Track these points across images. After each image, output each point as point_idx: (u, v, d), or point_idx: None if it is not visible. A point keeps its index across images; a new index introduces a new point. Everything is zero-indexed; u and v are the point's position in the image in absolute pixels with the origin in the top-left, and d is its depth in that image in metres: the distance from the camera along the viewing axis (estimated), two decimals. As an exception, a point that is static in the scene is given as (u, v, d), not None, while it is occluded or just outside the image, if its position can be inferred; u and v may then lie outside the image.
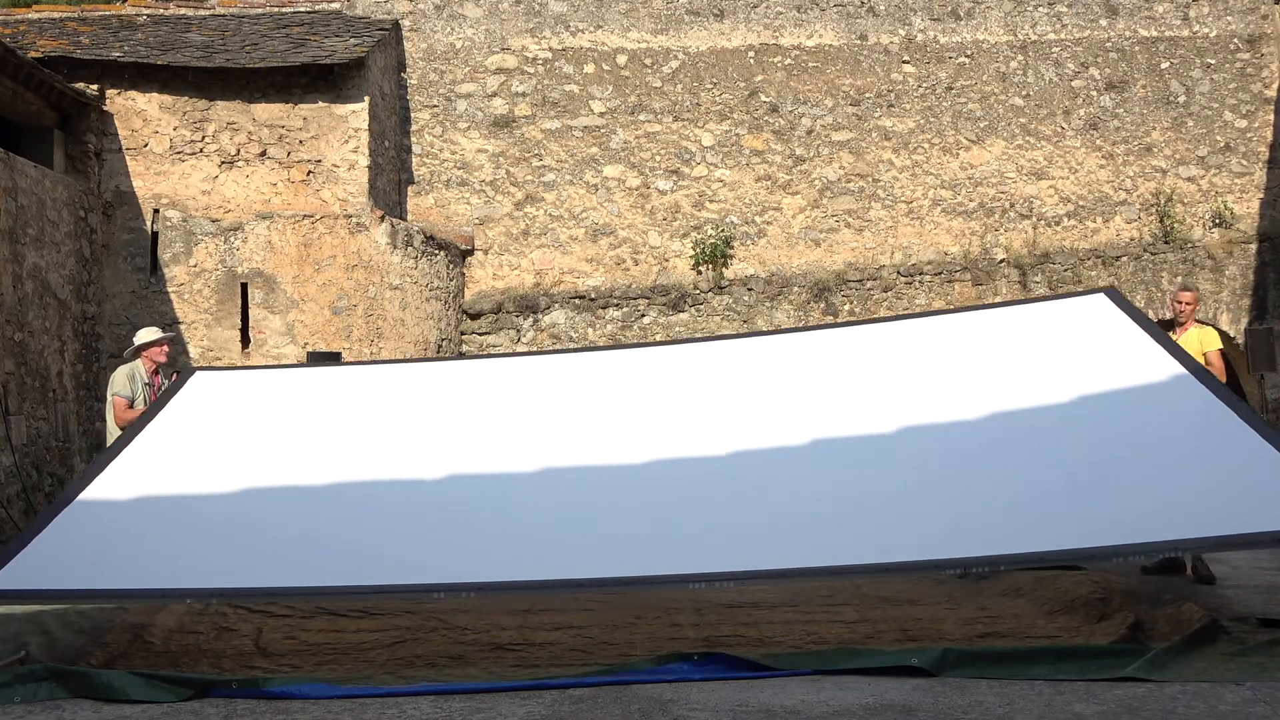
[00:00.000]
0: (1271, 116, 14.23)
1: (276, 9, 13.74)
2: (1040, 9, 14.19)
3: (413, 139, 13.72)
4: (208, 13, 13.65)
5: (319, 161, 11.90)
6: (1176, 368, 5.66)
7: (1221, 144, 14.23)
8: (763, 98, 13.95)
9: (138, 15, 13.48)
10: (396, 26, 13.67)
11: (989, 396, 5.84)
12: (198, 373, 7.47)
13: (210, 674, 4.78)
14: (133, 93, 11.85)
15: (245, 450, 6.26)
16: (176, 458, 6.21)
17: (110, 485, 5.90)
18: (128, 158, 11.75)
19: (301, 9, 13.71)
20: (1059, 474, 5.12)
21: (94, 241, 11.43)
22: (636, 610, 5.97)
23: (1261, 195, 14.22)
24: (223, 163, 11.82)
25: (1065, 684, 4.31)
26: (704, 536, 5.01)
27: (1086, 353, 6.10)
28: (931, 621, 5.52)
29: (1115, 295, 6.56)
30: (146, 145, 11.79)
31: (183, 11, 13.65)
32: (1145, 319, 6.29)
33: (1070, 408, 5.63)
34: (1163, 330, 6.33)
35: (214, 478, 5.98)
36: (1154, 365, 5.75)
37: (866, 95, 14.02)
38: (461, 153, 13.78)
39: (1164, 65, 14.23)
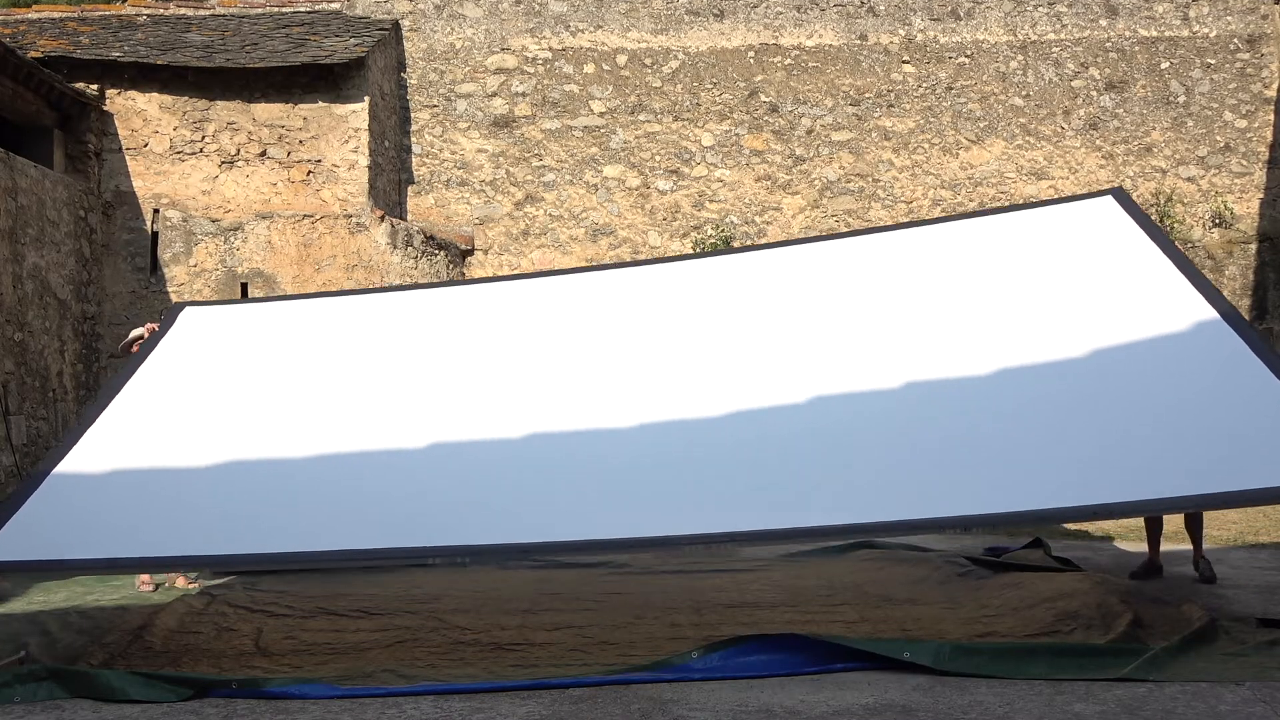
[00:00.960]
0: (1271, 116, 14.23)
1: (276, 9, 13.74)
2: (1040, 9, 14.19)
3: (413, 139, 13.72)
4: (208, 13, 13.65)
5: (319, 161, 11.91)
6: (1183, 283, 5.40)
7: (1221, 144, 14.23)
8: (762, 98, 13.96)
9: (138, 15, 13.48)
10: (396, 26, 13.68)
11: (989, 329, 5.60)
12: (187, 308, 7.17)
13: (210, 674, 4.78)
14: (133, 93, 11.85)
15: (237, 400, 6.04)
16: (167, 408, 6.02)
17: (97, 445, 5.71)
18: (128, 158, 11.76)
19: (301, 9, 13.72)
20: (1065, 421, 4.91)
21: (94, 241, 11.43)
22: (636, 610, 5.98)
23: (1261, 195, 14.22)
24: (223, 163, 11.83)
25: (1065, 684, 4.31)
26: (711, 495, 4.87)
27: (1090, 266, 5.82)
28: (932, 621, 5.52)
29: (1122, 197, 6.26)
30: (146, 145, 11.79)
31: (183, 11, 13.65)
32: (1152, 225, 6.02)
33: (1073, 337, 5.37)
34: (1167, 239, 6.06)
35: (204, 435, 5.78)
36: (1159, 280, 5.48)
37: (866, 95, 14.03)
38: (461, 153, 13.79)
39: (1164, 65, 14.23)
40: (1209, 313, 5.21)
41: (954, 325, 5.74)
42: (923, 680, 4.43)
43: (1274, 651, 4.67)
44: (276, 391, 6.14)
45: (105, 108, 11.76)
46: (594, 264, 12.58)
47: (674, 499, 4.90)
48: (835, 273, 6.50)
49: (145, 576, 6.94)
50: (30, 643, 5.33)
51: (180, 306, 7.23)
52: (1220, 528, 8.24)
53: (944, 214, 13.87)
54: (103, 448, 5.69)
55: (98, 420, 5.92)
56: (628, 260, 12.71)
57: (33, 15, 13.52)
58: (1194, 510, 6.19)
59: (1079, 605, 5.55)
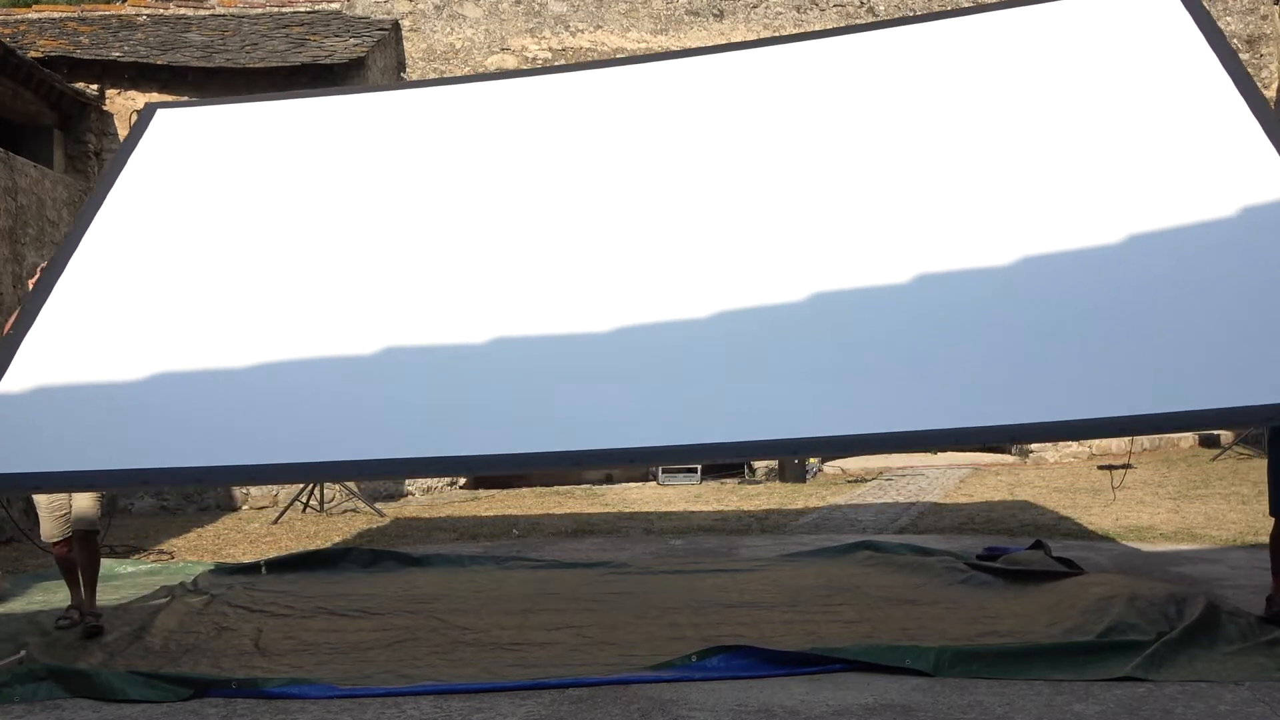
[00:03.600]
0: (1271, 117, 14.22)
1: (276, 9, 13.75)
2: (1040, 9, 14.19)
3: (412, 139, 13.72)
4: (208, 13, 13.66)
5: (319, 161, 11.90)
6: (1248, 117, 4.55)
7: (1221, 144, 14.23)
8: (762, 98, 13.96)
9: (138, 15, 13.48)
10: (396, 26, 13.68)
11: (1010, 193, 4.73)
12: (159, 112, 6.42)
13: (210, 674, 4.78)
14: (133, 92, 11.86)
15: (212, 253, 5.35)
16: (135, 261, 5.34)
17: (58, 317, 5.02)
18: (128, 158, 11.75)
19: (301, 9, 13.73)
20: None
21: (94, 241, 11.43)
22: (636, 610, 5.98)
23: (1261, 195, 14.21)
24: (222, 163, 11.83)
25: (1064, 684, 4.32)
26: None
27: (1142, 100, 4.88)
28: (932, 621, 5.52)
29: None
30: (146, 145, 11.79)
31: (183, 11, 13.65)
32: (1218, 36, 5.04)
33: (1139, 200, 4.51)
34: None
35: (182, 302, 5.08)
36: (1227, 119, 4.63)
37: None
38: (461, 153, 13.79)
39: (1164, 65, 14.23)
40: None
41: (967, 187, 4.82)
42: (922, 680, 4.43)
43: (1274, 651, 4.67)
44: (228, 257, 5.36)
45: (105, 108, 11.76)
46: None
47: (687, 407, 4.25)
48: (826, 83, 5.62)
49: None
50: (30, 643, 5.33)
51: (153, 109, 6.49)
52: (1220, 528, 8.24)
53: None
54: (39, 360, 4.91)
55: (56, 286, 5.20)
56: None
57: (33, 15, 13.52)
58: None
59: (1080, 605, 5.56)
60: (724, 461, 11.47)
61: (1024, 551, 7.16)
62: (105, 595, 6.77)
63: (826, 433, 4.07)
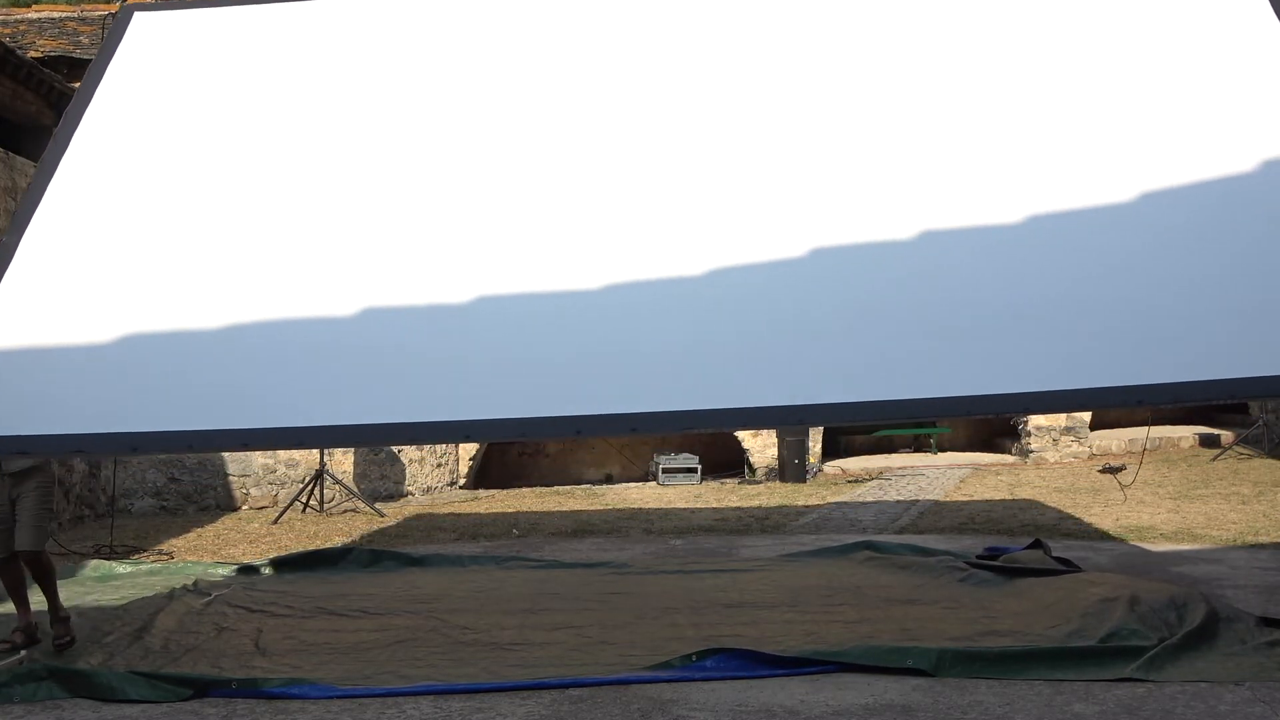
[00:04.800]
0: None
1: (276, 9, 13.74)
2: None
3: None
4: (208, 13, 13.65)
5: (319, 161, 11.90)
6: None
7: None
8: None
9: (138, 15, 13.48)
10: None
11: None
12: (136, 15, 5.97)
13: (210, 674, 4.78)
14: (133, 93, 11.84)
15: (195, 190, 5.00)
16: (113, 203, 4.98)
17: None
18: (128, 158, 11.75)
19: (301, 9, 13.71)
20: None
21: (94, 241, 11.42)
22: (636, 610, 5.98)
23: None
24: (223, 163, 11.82)
25: (1064, 684, 4.33)
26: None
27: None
28: (932, 621, 5.52)
29: None
30: (146, 145, 11.79)
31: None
32: None
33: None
34: None
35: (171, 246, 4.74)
36: None
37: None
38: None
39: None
40: None
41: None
42: (922, 680, 4.44)
43: (1274, 651, 4.68)
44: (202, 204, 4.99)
45: (105, 108, 11.76)
46: None
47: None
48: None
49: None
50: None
51: (130, 11, 6.04)
52: (1220, 528, 8.24)
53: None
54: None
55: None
56: None
57: (33, 15, 13.53)
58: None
59: (1080, 606, 5.56)
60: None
61: (1024, 551, 7.16)
62: (105, 595, 6.77)
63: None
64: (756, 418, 4.39)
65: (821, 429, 13.83)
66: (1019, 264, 4.17)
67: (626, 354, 4.17)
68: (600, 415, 4.00)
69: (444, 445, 12.92)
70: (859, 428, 15.36)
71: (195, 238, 4.81)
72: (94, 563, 7.88)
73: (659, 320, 4.25)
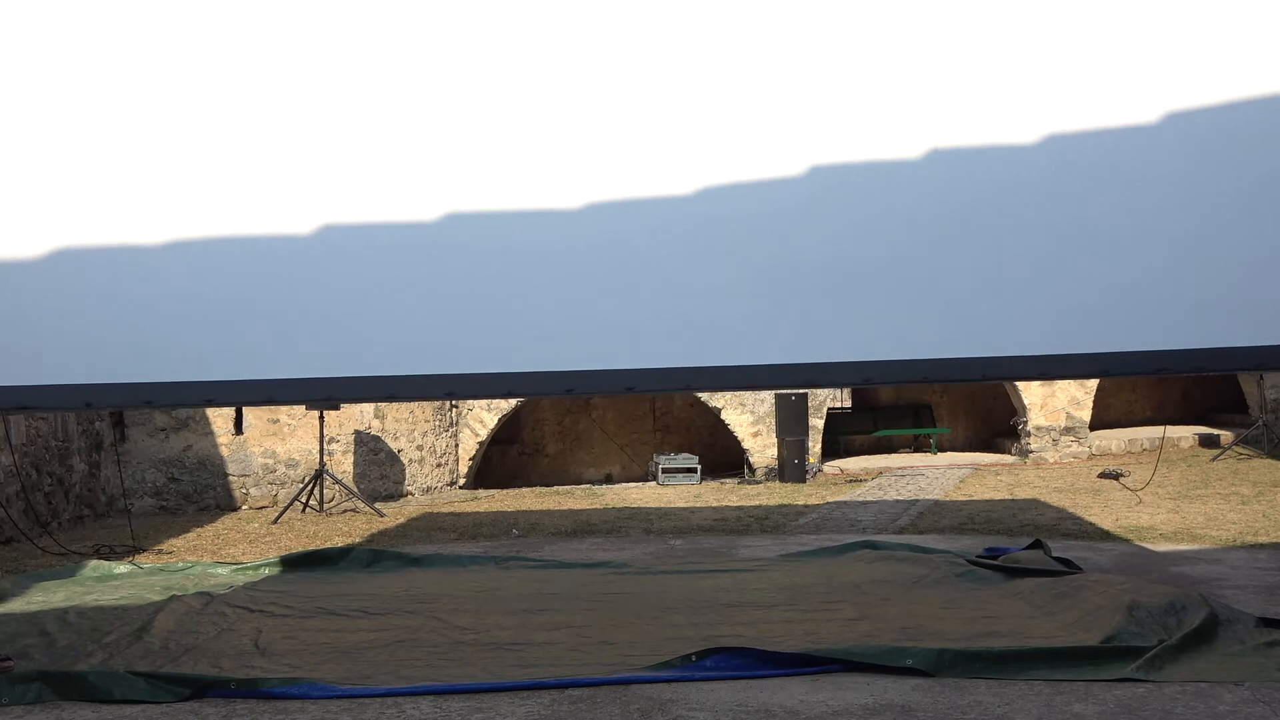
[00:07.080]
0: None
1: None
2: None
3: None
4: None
5: (319, 161, 11.89)
6: None
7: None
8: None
9: (137, 15, 13.47)
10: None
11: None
12: None
13: (209, 674, 4.78)
14: (132, 92, 11.84)
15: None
16: None
17: None
18: (127, 157, 11.74)
19: None
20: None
21: (93, 241, 11.43)
22: (636, 610, 5.98)
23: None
24: (222, 162, 11.81)
25: (1064, 684, 4.33)
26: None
27: None
28: (932, 621, 5.52)
29: None
30: (146, 145, 11.78)
31: (182, 11, 13.63)
32: None
33: None
34: None
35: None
36: None
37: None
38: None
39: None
40: None
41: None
42: (922, 680, 4.44)
43: (1273, 652, 4.68)
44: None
45: (105, 107, 11.76)
46: None
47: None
48: None
49: None
50: (28, 645, 5.33)
51: None
52: (1220, 528, 8.25)
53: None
54: None
55: None
56: None
57: (32, 15, 13.52)
58: None
59: (1080, 606, 5.56)
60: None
61: (1024, 552, 7.16)
62: (105, 595, 6.78)
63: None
64: (755, 376, 4.23)
65: (822, 430, 13.85)
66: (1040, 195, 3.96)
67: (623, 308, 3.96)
68: (594, 371, 3.86)
69: (444, 445, 12.93)
70: (859, 428, 15.39)
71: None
72: (94, 563, 7.87)
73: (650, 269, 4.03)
